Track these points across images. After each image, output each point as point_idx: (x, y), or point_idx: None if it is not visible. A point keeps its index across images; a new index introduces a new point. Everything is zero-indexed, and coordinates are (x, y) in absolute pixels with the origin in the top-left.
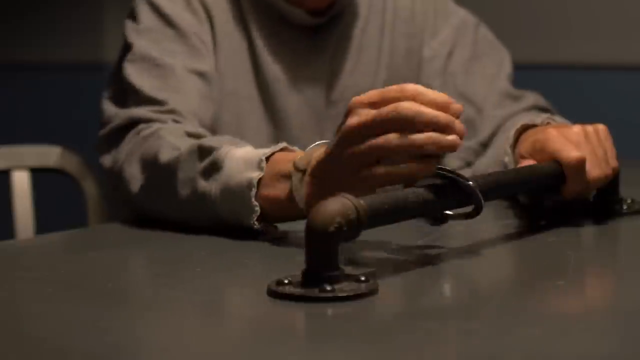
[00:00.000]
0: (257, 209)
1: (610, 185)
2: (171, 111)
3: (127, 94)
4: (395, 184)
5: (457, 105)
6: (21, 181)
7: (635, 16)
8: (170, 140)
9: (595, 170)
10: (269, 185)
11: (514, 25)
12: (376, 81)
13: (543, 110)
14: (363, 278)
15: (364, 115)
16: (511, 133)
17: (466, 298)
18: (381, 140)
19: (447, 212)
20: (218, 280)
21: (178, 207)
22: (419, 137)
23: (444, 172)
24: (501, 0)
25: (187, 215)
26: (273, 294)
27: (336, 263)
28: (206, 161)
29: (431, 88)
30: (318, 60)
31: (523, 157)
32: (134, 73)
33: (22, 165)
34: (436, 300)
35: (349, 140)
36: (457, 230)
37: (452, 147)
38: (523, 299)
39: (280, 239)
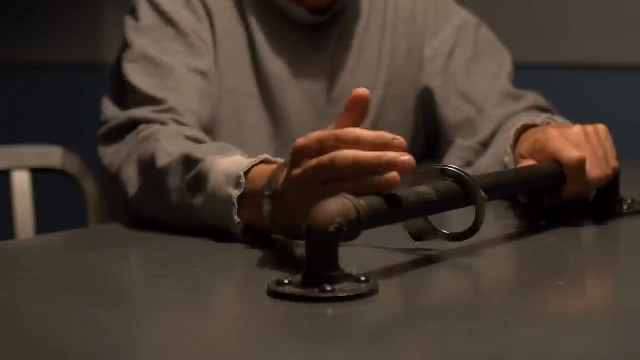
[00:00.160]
0: (240, 225)
1: (610, 185)
2: (170, 110)
3: (127, 93)
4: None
5: (398, 140)
6: (21, 181)
7: (635, 16)
8: (166, 145)
9: (595, 170)
10: (247, 205)
11: (514, 25)
12: (377, 80)
13: (543, 110)
14: (363, 278)
15: (305, 165)
16: (511, 133)
17: (466, 298)
18: (321, 191)
19: (443, 231)
20: (218, 280)
21: (171, 212)
22: (357, 186)
23: (454, 169)
24: (501, 0)
25: (179, 220)
26: (273, 294)
27: (336, 263)
28: (192, 173)
29: (431, 87)
30: (319, 58)
31: (523, 157)
32: (133, 72)
33: (22, 165)
34: (436, 300)
35: (295, 187)
36: (457, 231)
37: (392, 185)
38: (523, 299)
39: (280, 239)
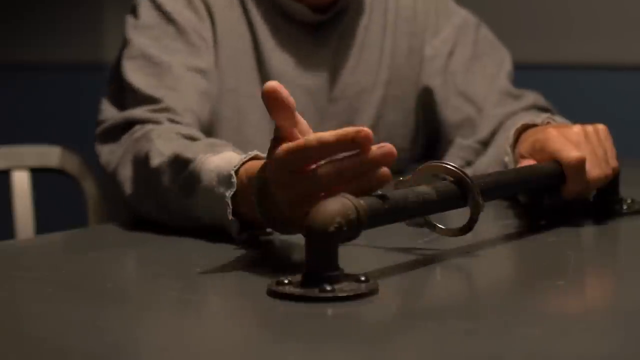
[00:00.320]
0: (236, 224)
1: (610, 185)
2: (166, 109)
3: (125, 93)
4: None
5: (364, 132)
6: (21, 181)
7: (635, 16)
8: (159, 144)
9: (595, 170)
10: (242, 204)
11: (514, 25)
12: (377, 80)
13: (543, 109)
14: (363, 278)
15: (275, 155)
16: (511, 133)
17: (466, 298)
18: (293, 179)
19: (440, 226)
20: (218, 281)
21: (168, 211)
22: (349, 189)
23: (454, 168)
24: (501, 0)
25: (176, 219)
26: (273, 294)
27: (336, 263)
28: (184, 174)
29: (431, 87)
30: (320, 56)
31: (523, 157)
32: (131, 71)
33: (22, 165)
34: (436, 300)
35: (272, 179)
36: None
37: (385, 182)
38: (523, 299)
39: (280, 239)
